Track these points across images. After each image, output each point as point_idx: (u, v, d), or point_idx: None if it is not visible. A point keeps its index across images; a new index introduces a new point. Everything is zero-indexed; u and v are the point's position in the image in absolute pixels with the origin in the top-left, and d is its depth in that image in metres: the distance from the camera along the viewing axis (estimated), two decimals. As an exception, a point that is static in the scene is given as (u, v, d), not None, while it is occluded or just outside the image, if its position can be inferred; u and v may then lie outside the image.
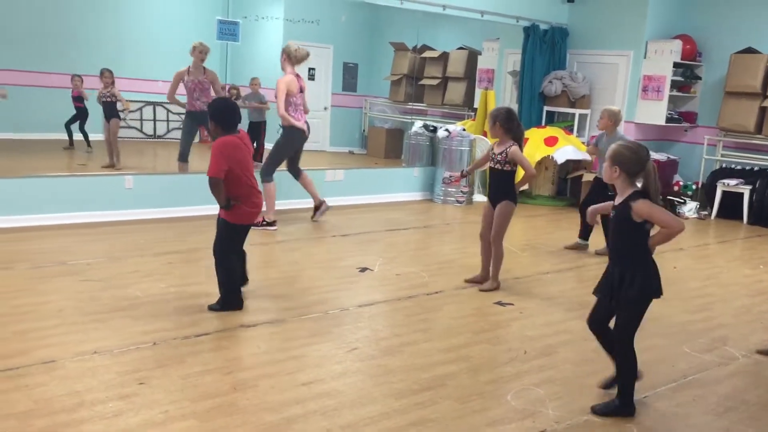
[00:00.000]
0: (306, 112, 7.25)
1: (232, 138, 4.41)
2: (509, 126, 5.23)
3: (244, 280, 4.92)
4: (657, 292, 3.38)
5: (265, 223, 6.96)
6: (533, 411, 3.47)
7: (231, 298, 4.60)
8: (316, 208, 7.60)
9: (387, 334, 4.42)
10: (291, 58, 6.98)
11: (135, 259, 5.68)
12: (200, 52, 7.69)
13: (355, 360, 3.96)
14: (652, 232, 3.37)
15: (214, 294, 4.89)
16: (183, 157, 7.94)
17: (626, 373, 3.44)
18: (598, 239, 6.82)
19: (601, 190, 6.73)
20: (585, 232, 6.99)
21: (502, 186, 5.36)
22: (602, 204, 3.67)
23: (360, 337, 4.33)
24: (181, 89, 7.94)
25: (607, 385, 3.68)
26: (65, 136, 10.92)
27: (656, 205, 3.30)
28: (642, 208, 3.28)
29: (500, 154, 5.28)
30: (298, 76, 7.07)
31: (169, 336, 4.12)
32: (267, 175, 7.01)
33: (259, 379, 3.62)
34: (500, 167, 5.29)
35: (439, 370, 3.88)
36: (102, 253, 5.80)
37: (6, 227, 6.40)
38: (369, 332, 4.42)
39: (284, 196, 8.25)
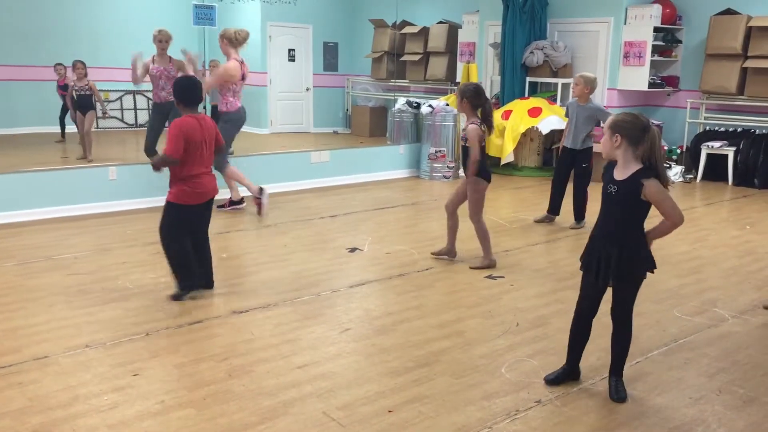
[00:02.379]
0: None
1: (191, 119, 4.39)
2: (476, 102, 5.20)
3: (207, 283, 4.70)
4: (644, 268, 3.25)
5: (232, 203, 7.17)
6: (528, 382, 3.49)
7: (189, 278, 4.53)
8: (233, 202, 7.24)
9: (380, 313, 4.43)
10: (233, 42, 6.79)
11: (123, 251, 5.65)
12: (159, 41, 7.40)
13: (349, 341, 3.97)
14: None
15: (204, 282, 4.89)
16: (149, 152, 7.79)
17: (627, 349, 3.37)
18: (565, 214, 6.83)
19: (570, 161, 6.72)
20: (555, 207, 6.93)
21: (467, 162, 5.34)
22: None
23: (353, 317, 4.33)
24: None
25: (552, 380, 3.49)
26: (44, 130, 10.80)
27: (666, 191, 3.09)
28: (652, 189, 3.06)
29: (463, 130, 5.31)
30: (242, 62, 6.92)
31: (162, 326, 4.11)
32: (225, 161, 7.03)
33: (254, 364, 3.62)
34: (464, 143, 5.31)
35: (433, 347, 3.89)
36: (89, 246, 5.76)
37: (-10, 225, 6.35)
38: (361, 312, 4.43)
39: (267, 180, 8.23)
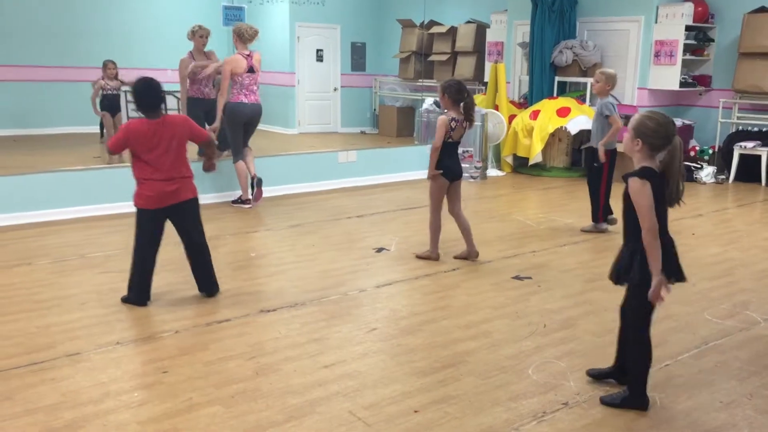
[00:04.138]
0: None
1: (140, 124, 4.29)
2: (458, 97, 5.25)
3: (209, 291, 4.62)
4: (649, 276, 3.06)
5: (240, 200, 7.37)
6: (555, 384, 3.47)
7: (132, 290, 4.46)
8: (244, 201, 7.36)
9: (406, 313, 4.44)
10: (242, 37, 7.06)
11: (153, 249, 5.72)
12: (201, 36, 7.49)
13: (375, 340, 3.98)
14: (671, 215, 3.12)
15: (231, 281, 4.93)
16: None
17: (636, 361, 3.24)
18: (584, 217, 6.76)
19: (590, 159, 6.59)
20: (605, 211, 6.62)
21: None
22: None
23: (379, 317, 4.34)
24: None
25: (594, 374, 3.50)
26: (77, 130, 10.99)
27: (644, 193, 2.97)
28: (632, 187, 3.01)
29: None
30: (248, 55, 7.06)
31: (191, 324, 4.16)
32: (234, 155, 7.27)
33: (281, 363, 3.65)
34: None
35: (460, 347, 3.89)
36: (120, 245, 5.84)
37: (24, 223, 6.47)
38: (388, 312, 4.43)
39: (295, 180, 8.29)
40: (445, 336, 4.05)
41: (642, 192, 3.00)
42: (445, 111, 5.36)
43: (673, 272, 3.13)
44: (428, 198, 5.56)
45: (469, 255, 5.55)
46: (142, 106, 4.35)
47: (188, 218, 4.51)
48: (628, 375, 3.34)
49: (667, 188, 3.06)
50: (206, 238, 4.64)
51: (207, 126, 6.99)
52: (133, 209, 4.47)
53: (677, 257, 3.16)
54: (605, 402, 3.28)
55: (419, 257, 5.57)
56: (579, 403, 3.29)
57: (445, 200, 5.50)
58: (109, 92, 9.13)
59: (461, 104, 5.27)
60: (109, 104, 9.12)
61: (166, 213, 4.40)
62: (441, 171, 5.33)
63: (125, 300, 4.50)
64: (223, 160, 7.15)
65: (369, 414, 3.14)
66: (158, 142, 4.27)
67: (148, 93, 4.35)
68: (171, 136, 4.32)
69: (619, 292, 4.54)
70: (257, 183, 7.27)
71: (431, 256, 5.54)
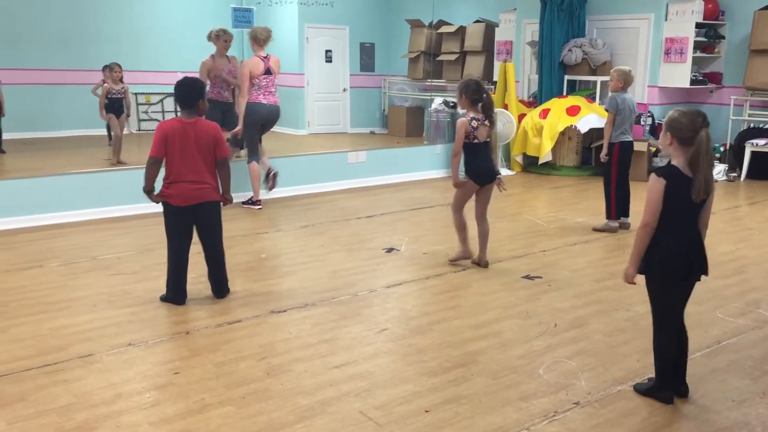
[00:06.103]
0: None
1: (175, 122, 4.37)
2: (476, 97, 5.15)
3: (218, 292, 4.63)
4: (653, 269, 3.14)
5: (250, 201, 7.37)
6: (566, 384, 3.46)
7: (169, 288, 4.53)
8: (255, 202, 7.40)
9: (416, 313, 4.44)
10: (256, 39, 7.17)
11: (164, 251, 5.71)
12: (225, 41, 7.55)
13: (385, 341, 3.98)
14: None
15: (242, 282, 4.95)
16: None
17: (655, 354, 3.28)
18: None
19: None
20: (617, 209, 6.60)
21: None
22: None
23: (389, 317, 4.34)
24: None
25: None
26: (87, 133, 11.02)
27: (654, 190, 3.04)
28: (649, 183, 3.10)
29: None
30: (266, 57, 7.13)
31: (202, 325, 4.18)
32: (248, 155, 7.30)
33: (292, 363, 3.65)
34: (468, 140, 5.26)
35: (470, 347, 3.89)
36: (131, 247, 5.87)
37: (36, 225, 6.50)
38: (398, 312, 4.43)
39: (305, 181, 8.30)
40: (455, 336, 4.04)
41: (652, 188, 3.10)
42: (463, 112, 5.28)
43: (653, 267, 3.15)
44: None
45: (480, 261, 5.41)
46: (178, 101, 4.43)
47: (210, 221, 4.54)
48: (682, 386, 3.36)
49: (693, 182, 3.04)
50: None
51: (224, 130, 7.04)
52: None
53: (669, 254, 3.12)
54: (636, 389, 3.37)
55: (452, 261, 5.42)
56: (590, 402, 3.28)
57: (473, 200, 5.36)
58: (115, 96, 9.11)
59: (479, 104, 5.17)
60: (117, 107, 9.14)
61: (192, 212, 4.44)
62: (466, 178, 5.22)
63: (164, 299, 4.54)
64: (235, 162, 7.17)
65: (380, 414, 3.14)
66: (190, 141, 4.34)
67: (184, 90, 4.41)
68: (201, 138, 4.37)
69: (630, 291, 4.55)
70: (273, 175, 7.38)
71: (464, 255, 5.41)
